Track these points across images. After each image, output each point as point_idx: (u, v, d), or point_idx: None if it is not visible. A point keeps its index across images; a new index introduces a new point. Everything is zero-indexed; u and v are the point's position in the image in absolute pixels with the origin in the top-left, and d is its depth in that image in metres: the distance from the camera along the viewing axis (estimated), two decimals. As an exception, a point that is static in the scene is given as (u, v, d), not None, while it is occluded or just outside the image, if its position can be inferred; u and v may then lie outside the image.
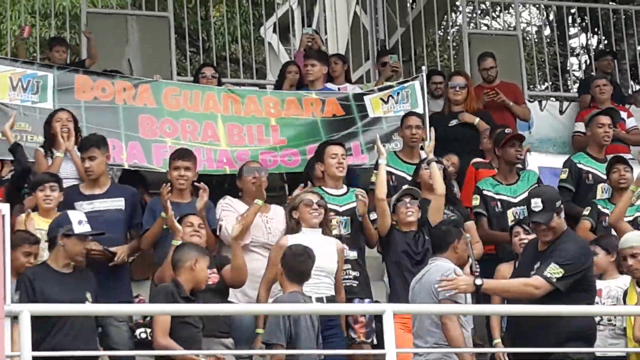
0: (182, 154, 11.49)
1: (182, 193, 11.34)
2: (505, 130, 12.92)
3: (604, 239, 11.21)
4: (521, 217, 11.81)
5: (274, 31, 20.52)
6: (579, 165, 12.94)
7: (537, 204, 9.36)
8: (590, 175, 12.79)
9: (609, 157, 12.86)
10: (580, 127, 15.24)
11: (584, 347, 9.19)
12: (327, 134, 12.96)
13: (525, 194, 11.89)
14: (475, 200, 12.40)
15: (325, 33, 17.91)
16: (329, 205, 11.09)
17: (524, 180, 12.48)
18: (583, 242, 9.84)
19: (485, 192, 12.36)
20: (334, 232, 11.16)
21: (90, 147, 11.33)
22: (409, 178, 12.11)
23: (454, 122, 13.97)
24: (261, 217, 11.32)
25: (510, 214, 12.24)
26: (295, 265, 9.79)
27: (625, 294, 10.38)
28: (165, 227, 10.89)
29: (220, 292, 10.50)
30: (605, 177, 12.58)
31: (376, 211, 11.24)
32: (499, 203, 12.30)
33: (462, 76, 14.66)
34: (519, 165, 12.81)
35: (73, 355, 8.95)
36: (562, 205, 9.49)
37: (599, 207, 12.24)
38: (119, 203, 11.28)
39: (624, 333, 10.50)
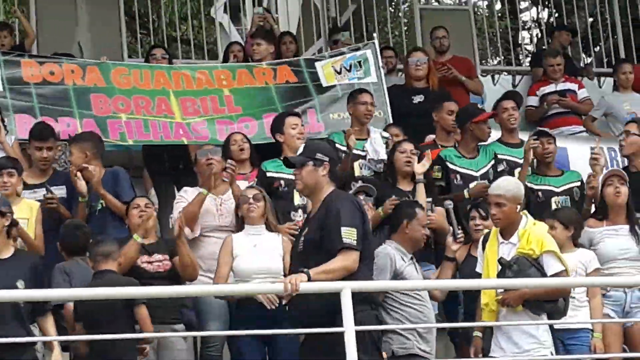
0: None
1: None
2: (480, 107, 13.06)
3: (561, 212, 11.13)
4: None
5: (225, 11, 20.41)
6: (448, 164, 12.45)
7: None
8: (458, 176, 12.29)
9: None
10: (533, 100, 15.37)
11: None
12: (282, 102, 13.03)
13: (486, 168, 12.06)
14: (438, 173, 12.22)
15: (277, 12, 17.81)
16: (287, 177, 11.02)
17: (482, 155, 12.38)
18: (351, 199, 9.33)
19: (447, 163, 12.19)
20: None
21: (49, 138, 11.53)
22: (362, 154, 12.13)
23: (417, 99, 13.95)
24: (215, 200, 11.15)
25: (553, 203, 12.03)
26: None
27: (485, 240, 9.96)
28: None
29: (171, 280, 10.25)
30: (520, 161, 12.35)
31: None
32: (458, 176, 12.17)
33: (422, 52, 14.68)
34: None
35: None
36: (325, 163, 9.00)
37: (528, 184, 11.95)
38: (61, 191, 11.31)
39: (584, 304, 10.56)
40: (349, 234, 8.69)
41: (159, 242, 10.61)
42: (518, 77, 17.17)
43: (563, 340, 10.37)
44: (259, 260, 10.32)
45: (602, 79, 17.48)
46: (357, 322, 8.48)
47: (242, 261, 10.31)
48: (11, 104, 12.28)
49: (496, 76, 17.29)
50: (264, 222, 10.58)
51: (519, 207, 9.69)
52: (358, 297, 8.63)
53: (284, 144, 11.72)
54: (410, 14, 18.71)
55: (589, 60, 19.60)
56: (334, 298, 8.52)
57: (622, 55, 18.26)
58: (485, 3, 28.06)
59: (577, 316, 10.34)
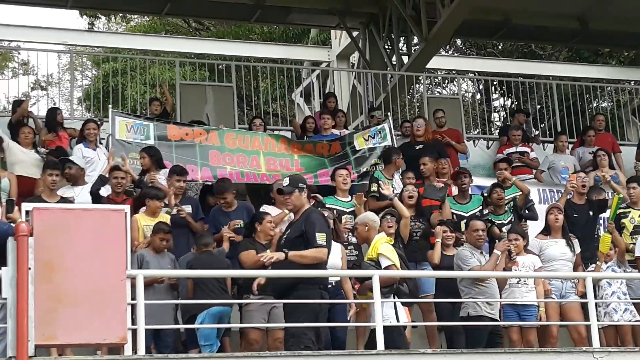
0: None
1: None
2: (457, 168, 12.97)
3: (517, 228, 11.10)
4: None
5: (301, 96, 20.49)
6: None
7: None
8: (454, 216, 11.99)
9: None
10: (499, 157, 15.15)
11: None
12: (331, 165, 13.04)
13: (474, 211, 11.89)
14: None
15: (335, 97, 17.81)
16: (340, 209, 11.02)
17: (473, 202, 12.15)
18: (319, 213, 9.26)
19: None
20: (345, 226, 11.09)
21: (185, 174, 11.57)
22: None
23: (418, 147, 13.84)
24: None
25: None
26: None
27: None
28: None
29: None
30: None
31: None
32: (454, 216, 11.88)
33: (422, 119, 14.67)
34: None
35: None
36: (305, 188, 9.08)
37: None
38: (188, 208, 11.29)
39: (533, 289, 10.43)
40: (321, 238, 8.73)
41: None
42: (490, 142, 17.01)
43: (519, 312, 10.27)
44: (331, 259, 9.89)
45: (546, 145, 17.31)
46: (304, 297, 8.52)
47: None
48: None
49: (476, 141, 17.13)
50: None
51: (366, 228, 9.64)
52: (310, 280, 8.62)
53: (336, 185, 11.70)
54: (421, 100, 18.60)
55: (537, 132, 19.40)
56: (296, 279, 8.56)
57: (559, 129, 18.12)
58: (470, 94, 27.99)
59: (529, 297, 10.25)
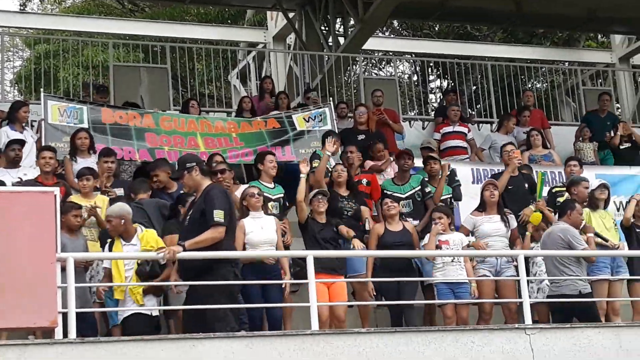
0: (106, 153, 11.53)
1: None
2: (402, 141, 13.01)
3: (442, 207, 11.17)
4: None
5: (237, 77, 20.42)
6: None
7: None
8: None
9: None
10: (437, 136, 15.27)
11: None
12: (270, 140, 12.98)
13: (411, 192, 11.86)
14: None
15: (272, 78, 17.77)
16: (265, 194, 10.74)
17: (411, 182, 12.02)
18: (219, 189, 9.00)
19: (384, 190, 11.94)
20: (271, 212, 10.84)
21: (111, 155, 11.60)
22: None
23: (360, 137, 13.78)
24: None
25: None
26: None
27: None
28: None
29: None
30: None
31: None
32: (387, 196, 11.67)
33: (364, 106, 14.69)
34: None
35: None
36: (194, 166, 8.83)
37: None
38: (120, 191, 11.22)
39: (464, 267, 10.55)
40: (218, 215, 8.53)
41: None
42: (426, 123, 17.11)
43: (453, 290, 10.38)
44: (264, 234, 10.09)
45: (481, 125, 17.46)
46: (220, 277, 8.40)
47: (254, 236, 10.06)
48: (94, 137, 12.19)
49: (412, 122, 17.22)
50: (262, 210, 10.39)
51: (123, 220, 9.41)
52: (222, 260, 8.49)
53: (262, 171, 11.47)
54: (357, 81, 18.65)
55: (473, 112, 19.59)
56: (207, 260, 8.42)
57: (495, 110, 18.30)
58: (406, 75, 28.13)
59: (462, 274, 10.36)
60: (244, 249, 10.01)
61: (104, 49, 18.95)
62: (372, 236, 10.82)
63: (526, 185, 12.11)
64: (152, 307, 9.22)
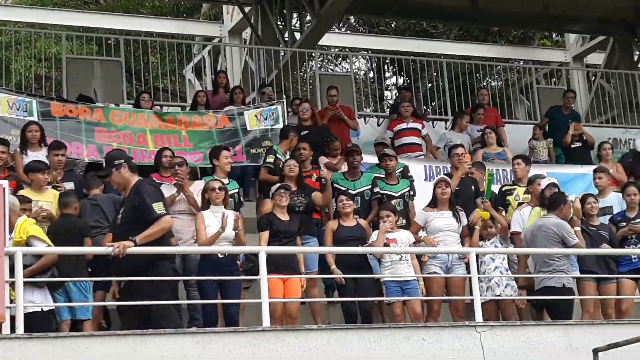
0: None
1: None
2: (349, 145, 12.93)
3: (389, 204, 11.18)
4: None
5: (192, 71, 20.32)
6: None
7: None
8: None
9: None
10: (389, 134, 15.29)
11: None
12: (220, 140, 12.93)
13: (363, 189, 11.88)
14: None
15: (226, 74, 17.70)
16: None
17: (363, 179, 12.05)
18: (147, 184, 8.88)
19: (335, 185, 11.92)
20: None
21: (61, 148, 11.45)
22: None
23: (304, 132, 13.68)
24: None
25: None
26: None
27: None
28: None
29: None
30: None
31: None
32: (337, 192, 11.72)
33: (307, 102, 14.65)
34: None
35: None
36: (122, 163, 8.76)
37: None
38: (70, 185, 11.14)
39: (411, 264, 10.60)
40: (158, 207, 8.47)
41: None
42: (381, 120, 17.15)
43: (402, 287, 10.42)
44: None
45: (435, 122, 17.53)
46: (160, 273, 8.32)
47: (211, 230, 10.06)
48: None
49: (367, 118, 17.26)
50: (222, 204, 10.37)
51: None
52: (162, 257, 8.43)
53: (217, 167, 11.45)
54: (313, 77, 18.63)
55: (428, 109, 19.62)
56: (150, 256, 8.35)
57: (449, 107, 18.39)
58: (363, 72, 28.17)
59: (409, 271, 10.40)
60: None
61: (57, 41, 18.72)
62: (326, 232, 10.85)
63: (472, 187, 12.16)
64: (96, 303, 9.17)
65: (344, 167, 12.73)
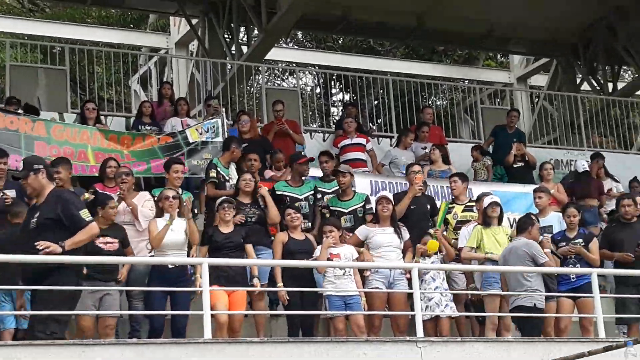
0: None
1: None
2: (303, 154, 13.00)
3: (332, 220, 11.25)
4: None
5: (138, 82, 20.25)
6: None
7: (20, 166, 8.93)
8: (288, 198, 12.09)
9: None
10: (334, 150, 15.33)
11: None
12: (163, 155, 12.89)
13: (308, 194, 12.07)
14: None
15: (172, 85, 17.65)
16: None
17: (307, 185, 12.31)
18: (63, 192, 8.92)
19: (278, 192, 12.09)
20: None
21: (3, 156, 11.38)
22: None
23: (244, 144, 13.62)
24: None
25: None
26: None
27: None
28: None
29: None
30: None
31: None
32: (288, 198, 12.04)
33: (247, 115, 14.68)
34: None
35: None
36: (41, 169, 8.64)
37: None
38: (12, 193, 11.00)
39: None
40: (85, 214, 8.49)
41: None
42: (327, 135, 17.22)
43: (345, 301, 10.44)
44: (173, 236, 10.21)
45: (380, 139, 17.64)
46: (62, 283, 8.19)
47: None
48: None
49: (313, 133, 17.33)
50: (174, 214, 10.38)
51: None
52: (64, 265, 8.29)
53: (168, 180, 11.52)
54: (259, 90, 18.67)
55: (373, 126, 19.76)
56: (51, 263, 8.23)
57: (394, 124, 18.51)
58: (309, 87, 28.26)
59: (351, 286, 10.44)
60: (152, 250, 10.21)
61: (1, 48, 18.55)
62: (276, 243, 10.90)
63: (428, 206, 12.25)
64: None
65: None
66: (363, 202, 12.07)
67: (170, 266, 9.96)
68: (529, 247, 10.70)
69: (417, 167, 12.65)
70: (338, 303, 10.39)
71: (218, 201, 10.82)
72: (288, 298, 10.45)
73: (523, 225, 11.03)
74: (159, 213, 10.49)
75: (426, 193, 12.71)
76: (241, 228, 10.74)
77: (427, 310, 10.74)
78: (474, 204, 12.24)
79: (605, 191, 15.75)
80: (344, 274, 10.46)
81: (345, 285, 10.42)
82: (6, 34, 20.02)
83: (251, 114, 14.89)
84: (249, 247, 10.61)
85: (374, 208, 11.61)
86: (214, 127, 13.51)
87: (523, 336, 10.35)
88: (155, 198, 10.91)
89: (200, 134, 13.41)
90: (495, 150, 16.75)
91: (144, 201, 11.02)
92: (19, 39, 19.61)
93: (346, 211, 11.94)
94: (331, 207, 12.01)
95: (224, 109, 14.48)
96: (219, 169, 12.25)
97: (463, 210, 12.20)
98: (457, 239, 11.73)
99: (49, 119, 13.19)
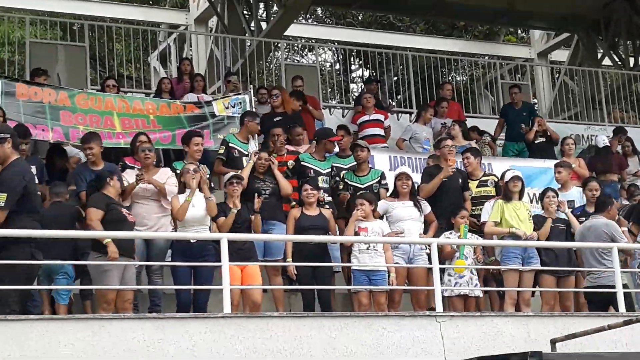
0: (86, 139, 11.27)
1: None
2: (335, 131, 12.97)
3: (366, 194, 11.19)
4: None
5: (157, 59, 20.24)
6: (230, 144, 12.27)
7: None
8: (312, 171, 12.08)
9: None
10: (354, 127, 15.28)
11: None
12: (189, 124, 12.84)
13: (329, 169, 12.04)
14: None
15: (191, 61, 17.62)
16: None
17: (329, 160, 12.27)
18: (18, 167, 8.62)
19: (302, 162, 12.07)
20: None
21: (27, 137, 11.32)
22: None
23: (277, 118, 13.72)
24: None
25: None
26: None
27: None
28: None
29: None
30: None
31: None
32: (311, 170, 12.00)
33: (278, 89, 14.64)
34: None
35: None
36: (7, 138, 8.55)
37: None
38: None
39: (382, 254, 10.59)
40: (1, 199, 8.29)
41: None
42: (346, 111, 17.17)
43: (369, 277, 10.42)
44: (194, 212, 10.12)
45: (400, 115, 17.59)
46: (13, 258, 8.05)
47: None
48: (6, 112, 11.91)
49: (332, 109, 17.28)
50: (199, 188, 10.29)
51: None
52: (19, 240, 8.17)
53: (188, 153, 11.44)
54: (279, 66, 18.62)
55: (392, 102, 19.69)
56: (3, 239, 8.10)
57: (414, 100, 18.44)
58: (329, 63, 28.17)
59: (380, 262, 10.42)
60: (175, 226, 10.15)
61: (21, 25, 18.57)
62: (289, 219, 10.85)
63: (460, 180, 12.09)
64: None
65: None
66: (378, 178, 11.99)
67: (192, 241, 9.91)
68: (609, 227, 10.86)
69: (449, 142, 12.39)
70: (362, 278, 10.36)
71: (226, 177, 10.73)
72: (296, 272, 10.42)
73: (602, 205, 11.14)
74: (182, 189, 10.36)
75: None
76: (246, 204, 10.53)
77: (456, 286, 10.68)
78: (488, 177, 12.19)
79: (633, 173, 15.69)
80: (367, 249, 10.42)
81: (369, 260, 10.37)
82: (26, 11, 20.03)
83: (283, 88, 14.79)
84: (257, 218, 10.40)
85: (390, 184, 11.55)
86: (240, 103, 13.46)
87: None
88: (178, 171, 10.87)
89: (227, 108, 13.36)
90: (507, 128, 16.67)
91: (167, 178, 10.93)
92: (39, 16, 19.61)
93: (362, 187, 11.84)
94: (347, 181, 11.91)
95: (252, 85, 14.47)
96: (231, 144, 12.16)
97: (477, 186, 12.13)
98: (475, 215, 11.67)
99: (71, 88, 13.17)
